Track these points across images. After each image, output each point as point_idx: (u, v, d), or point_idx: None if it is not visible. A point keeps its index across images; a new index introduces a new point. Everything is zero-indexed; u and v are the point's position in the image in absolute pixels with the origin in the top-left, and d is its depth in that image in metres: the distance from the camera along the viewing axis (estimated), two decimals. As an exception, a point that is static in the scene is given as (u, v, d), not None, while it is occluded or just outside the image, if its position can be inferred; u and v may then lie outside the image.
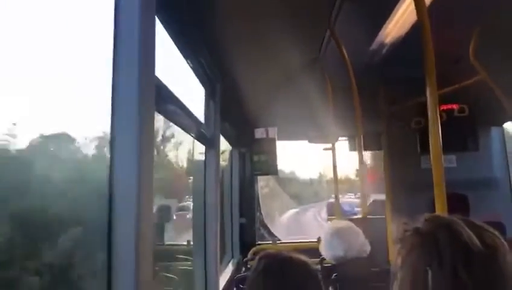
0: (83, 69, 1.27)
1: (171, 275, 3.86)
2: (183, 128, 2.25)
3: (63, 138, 1.33)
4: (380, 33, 2.66)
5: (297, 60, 2.95)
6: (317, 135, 4.88)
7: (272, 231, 5.43)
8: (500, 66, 2.92)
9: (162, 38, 1.73)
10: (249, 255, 4.19)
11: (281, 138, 4.55)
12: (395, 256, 1.02)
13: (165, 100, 1.64)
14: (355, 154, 3.67)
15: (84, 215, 1.35)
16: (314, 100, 3.65)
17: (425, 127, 1.92)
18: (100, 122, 1.36)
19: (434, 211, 1.77)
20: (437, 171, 1.80)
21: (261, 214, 5.40)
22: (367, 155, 5.70)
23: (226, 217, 4.54)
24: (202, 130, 2.51)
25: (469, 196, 3.96)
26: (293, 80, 3.30)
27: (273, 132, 4.39)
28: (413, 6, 1.88)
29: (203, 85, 2.73)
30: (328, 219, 6.16)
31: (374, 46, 2.84)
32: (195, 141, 2.69)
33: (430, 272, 0.91)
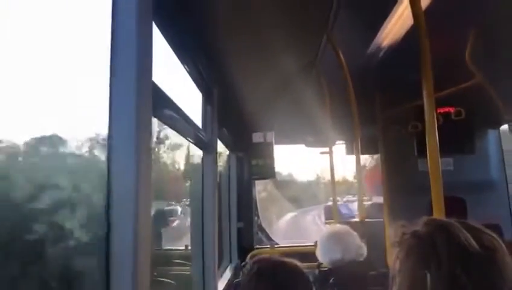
0: (80, 74, 1.27)
1: (168, 280, 3.85)
2: (180, 133, 2.25)
3: (60, 143, 1.33)
4: (377, 37, 2.67)
5: (295, 65, 2.96)
6: (314, 139, 4.89)
7: (270, 235, 5.43)
8: (496, 69, 2.93)
9: (159, 43, 1.73)
10: (247, 260, 4.19)
11: (278, 142, 4.56)
12: (393, 259, 1.02)
13: (162, 105, 1.64)
14: (353, 156, 3.67)
15: (82, 220, 1.35)
16: (312, 104, 3.66)
17: (422, 130, 1.93)
18: (98, 127, 1.36)
19: (432, 213, 1.78)
20: (434, 174, 1.81)
21: (258, 218, 5.40)
22: (367, 157, 5.71)
23: (223, 221, 4.53)
24: (200, 135, 2.51)
25: (466, 198, 3.97)
26: (290, 84, 3.31)
27: (270, 136, 4.40)
28: (409, 10, 1.89)
29: (200, 90, 2.73)
30: (326, 223, 6.15)
31: (371, 50, 2.85)
32: (188, 144, 2.69)
33: (428, 275, 0.91)
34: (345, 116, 3.27)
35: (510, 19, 2.31)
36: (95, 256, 1.22)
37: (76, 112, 1.30)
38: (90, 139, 1.44)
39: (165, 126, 1.96)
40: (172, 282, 3.72)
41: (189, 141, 2.44)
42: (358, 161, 3.40)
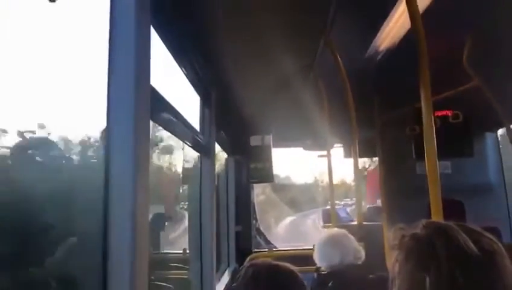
0: (78, 77, 1.27)
1: (166, 284, 3.83)
2: (178, 137, 2.25)
3: (58, 146, 1.32)
4: (375, 40, 2.67)
5: (292, 68, 2.96)
6: (312, 142, 4.90)
7: (268, 238, 5.42)
8: (494, 72, 2.94)
9: (157, 46, 1.73)
10: (245, 263, 4.16)
11: (276, 146, 4.56)
12: (393, 262, 1.02)
13: (160, 108, 1.64)
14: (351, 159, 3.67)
15: (79, 223, 1.34)
16: (309, 108, 3.66)
17: (420, 133, 1.94)
18: (95, 130, 1.36)
19: (430, 216, 1.78)
20: (432, 177, 1.81)
21: (257, 221, 5.39)
22: (366, 161, 5.73)
23: (221, 225, 4.52)
24: (197, 138, 2.51)
25: (464, 201, 3.97)
26: (288, 87, 3.31)
27: (268, 139, 4.40)
28: (407, 13, 1.89)
29: (198, 93, 2.73)
30: (324, 227, 6.16)
31: (369, 53, 2.85)
32: (182, 147, 2.70)
33: (427, 278, 0.91)
34: (343, 120, 3.27)
35: (507, 22, 2.31)
36: (92, 259, 1.22)
37: (74, 115, 1.29)
38: (88, 143, 1.44)
39: (159, 128, 1.96)
40: (170, 286, 3.71)
41: (187, 144, 2.43)
42: (356, 164, 3.41)
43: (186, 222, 4.51)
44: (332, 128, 3.69)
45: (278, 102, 3.65)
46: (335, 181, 3.91)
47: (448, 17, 2.26)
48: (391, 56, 2.76)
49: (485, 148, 4.65)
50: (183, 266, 3.66)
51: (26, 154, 1.19)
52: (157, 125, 1.88)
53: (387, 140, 4.22)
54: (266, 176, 4.48)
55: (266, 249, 5.03)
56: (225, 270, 4.33)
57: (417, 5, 1.86)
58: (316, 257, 2.67)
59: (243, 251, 4.74)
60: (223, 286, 3.51)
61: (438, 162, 1.82)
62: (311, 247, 2.81)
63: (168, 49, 1.94)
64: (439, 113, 3.66)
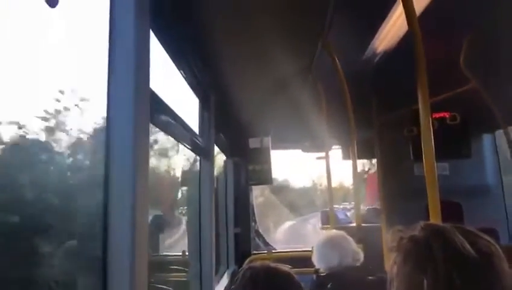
0: (78, 79, 1.28)
1: (165, 287, 3.83)
2: (177, 139, 2.25)
3: (58, 148, 1.33)
4: (372, 42, 2.69)
5: (291, 70, 2.97)
6: (311, 144, 4.90)
7: (267, 240, 5.42)
8: (491, 74, 2.95)
9: (156, 49, 1.74)
10: (244, 265, 4.16)
11: (275, 148, 4.56)
12: (391, 264, 1.02)
13: (159, 111, 1.65)
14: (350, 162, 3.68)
15: (79, 225, 1.35)
16: (308, 110, 3.67)
17: (417, 135, 1.94)
18: (95, 133, 1.37)
19: (428, 218, 1.79)
20: (430, 179, 1.82)
21: (256, 223, 5.39)
22: (365, 163, 5.74)
23: (221, 227, 4.52)
24: (196, 141, 2.51)
25: (462, 203, 3.98)
26: (287, 90, 3.32)
27: (267, 141, 4.40)
28: (404, 15, 1.90)
29: (197, 96, 2.73)
30: (322, 228, 6.16)
31: (367, 55, 2.87)
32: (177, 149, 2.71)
33: (425, 280, 0.91)
34: (341, 121, 3.28)
35: (504, 24, 2.32)
36: (92, 261, 1.22)
37: (74, 117, 1.30)
38: (88, 145, 1.45)
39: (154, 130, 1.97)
40: (170, 289, 3.71)
41: (186, 147, 2.44)
42: (354, 165, 3.41)
43: (182, 228, 4.51)
44: (330, 130, 3.70)
45: (277, 104, 3.66)
46: (333, 185, 3.90)
47: (445, 19, 2.28)
48: (389, 58, 2.77)
49: (482, 150, 4.66)
50: (182, 268, 3.66)
51: (24, 155, 1.20)
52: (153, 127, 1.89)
53: (385, 141, 4.23)
54: (265, 178, 4.48)
55: (265, 251, 5.03)
56: (224, 272, 4.33)
57: (414, 8, 1.87)
58: (315, 259, 2.67)
59: (242, 253, 4.74)
60: (222, 288, 3.51)
61: (435, 164, 1.83)
62: (310, 249, 2.81)
63: (167, 53, 1.95)
64: (437, 115, 3.67)
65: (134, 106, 1.14)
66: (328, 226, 3.79)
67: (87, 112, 1.33)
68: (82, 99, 1.30)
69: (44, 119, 1.20)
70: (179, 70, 2.25)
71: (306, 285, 1.68)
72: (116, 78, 1.14)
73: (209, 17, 2.04)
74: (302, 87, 3.28)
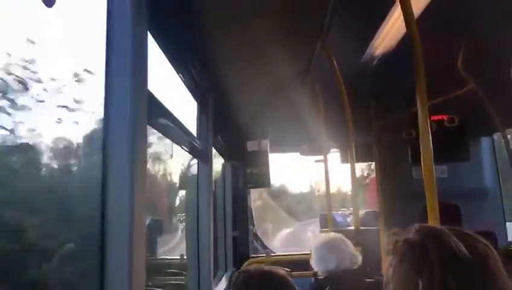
0: (76, 81, 1.28)
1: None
2: (175, 142, 2.25)
3: (56, 151, 1.33)
4: (371, 44, 2.68)
5: (289, 73, 2.97)
6: (309, 147, 4.89)
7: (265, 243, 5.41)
8: (489, 76, 2.95)
9: (155, 52, 1.73)
10: (242, 268, 4.14)
11: (273, 151, 4.56)
12: (387, 267, 1.02)
13: (157, 114, 1.65)
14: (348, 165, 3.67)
15: (77, 229, 1.34)
16: (306, 112, 3.67)
17: (416, 137, 1.94)
18: (93, 135, 1.36)
19: (427, 221, 1.78)
20: (429, 182, 1.81)
21: (254, 226, 5.38)
22: (367, 169, 5.73)
23: (219, 230, 4.52)
24: (194, 144, 2.51)
25: (461, 206, 3.98)
26: (285, 92, 3.32)
27: (265, 144, 4.40)
28: (402, 18, 1.90)
29: (195, 99, 2.73)
30: (321, 231, 6.15)
31: (365, 58, 2.86)
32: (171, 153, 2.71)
33: (420, 282, 0.91)
34: (340, 124, 3.28)
35: (502, 27, 2.33)
36: (89, 265, 1.22)
37: (72, 120, 1.30)
38: (85, 147, 1.44)
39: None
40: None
41: (184, 150, 2.44)
42: (353, 168, 3.41)
43: (180, 233, 4.50)
44: (328, 133, 3.70)
45: (275, 107, 3.66)
46: (331, 190, 3.90)
47: (443, 21, 2.28)
48: (387, 60, 2.77)
49: (481, 153, 4.67)
50: (180, 271, 3.66)
51: (22, 158, 1.20)
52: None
53: (383, 144, 4.23)
54: (263, 181, 4.47)
55: (263, 254, 5.02)
56: (222, 275, 4.32)
57: (412, 10, 1.87)
58: (313, 262, 2.66)
59: (240, 256, 4.73)
60: (221, 292, 3.50)
61: (434, 167, 1.82)
62: (309, 252, 2.80)
63: (166, 55, 1.95)
64: (435, 118, 3.67)
65: (132, 108, 1.14)
66: (327, 229, 3.78)
67: (85, 113, 1.33)
68: (80, 101, 1.30)
69: (42, 121, 1.19)
70: (177, 73, 2.25)
71: (304, 288, 1.67)
72: (114, 80, 1.14)
73: (207, 20, 2.04)
74: (301, 89, 3.28)
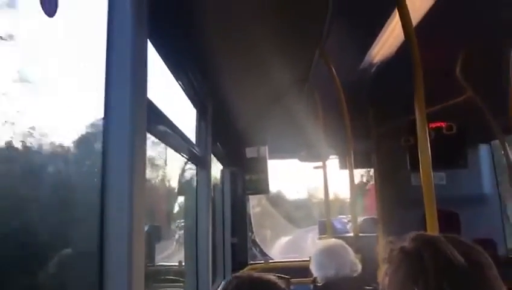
0: (76, 89, 1.28)
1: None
2: (174, 149, 2.25)
3: (56, 155, 1.33)
4: (369, 52, 2.70)
5: (288, 80, 2.98)
6: (307, 153, 4.90)
7: (264, 250, 5.40)
8: (487, 84, 2.96)
9: (154, 59, 1.74)
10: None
11: (272, 157, 4.56)
12: (383, 275, 1.02)
13: (156, 121, 1.65)
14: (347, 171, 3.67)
15: (75, 233, 1.34)
16: (305, 119, 3.67)
17: (414, 144, 1.95)
18: (92, 141, 1.37)
19: (425, 228, 1.79)
20: (427, 189, 1.82)
21: (253, 233, 5.37)
22: (366, 175, 5.74)
23: (217, 236, 4.51)
24: (193, 150, 2.51)
25: (460, 213, 3.98)
26: (284, 99, 3.32)
27: (264, 151, 4.40)
28: (401, 26, 1.91)
29: (194, 106, 2.74)
30: (320, 237, 6.14)
31: (363, 65, 2.87)
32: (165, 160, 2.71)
33: None
34: (338, 131, 3.28)
35: (500, 35, 2.34)
36: (88, 270, 1.22)
37: (72, 126, 1.30)
38: (85, 153, 1.45)
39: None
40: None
41: (183, 157, 2.44)
42: (351, 175, 3.41)
43: (178, 239, 4.49)
44: (327, 140, 3.70)
45: (274, 113, 3.66)
46: (330, 197, 3.90)
47: (442, 29, 2.29)
48: (386, 68, 2.78)
49: (479, 160, 4.68)
50: (178, 278, 3.65)
51: (22, 161, 1.20)
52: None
53: (382, 151, 4.24)
54: (262, 187, 4.47)
55: (262, 261, 5.01)
56: (221, 282, 4.31)
57: (410, 18, 1.88)
58: (312, 268, 2.66)
59: (238, 263, 4.72)
60: (219, 299, 3.49)
61: (432, 173, 1.83)
62: (308, 258, 2.80)
63: (165, 63, 1.96)
64: (433, 125, 3.68)
65: (131, 115, 1.14)
66: (326, 235, 3.78)
67: (84, 120, 1.33)
68: (80, 107, 1.30)
69: (41, 124, 1.20)
70: (177, 80, 2.26)
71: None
72: (113, 87, 1.15)
73: (207, 29, 2.05)
74: (299, 96, 3.28)
